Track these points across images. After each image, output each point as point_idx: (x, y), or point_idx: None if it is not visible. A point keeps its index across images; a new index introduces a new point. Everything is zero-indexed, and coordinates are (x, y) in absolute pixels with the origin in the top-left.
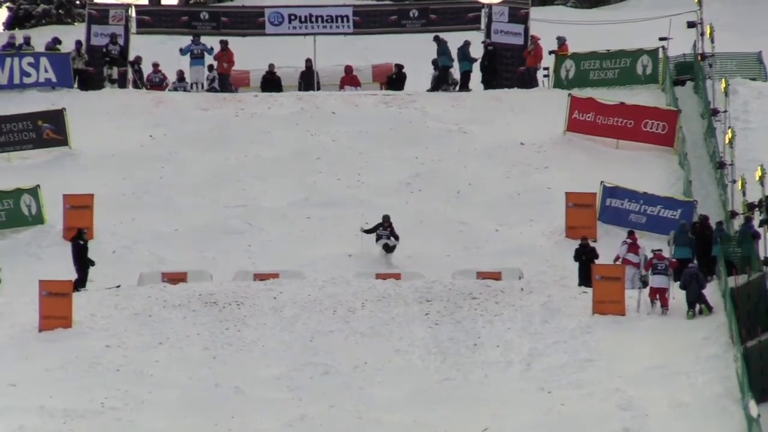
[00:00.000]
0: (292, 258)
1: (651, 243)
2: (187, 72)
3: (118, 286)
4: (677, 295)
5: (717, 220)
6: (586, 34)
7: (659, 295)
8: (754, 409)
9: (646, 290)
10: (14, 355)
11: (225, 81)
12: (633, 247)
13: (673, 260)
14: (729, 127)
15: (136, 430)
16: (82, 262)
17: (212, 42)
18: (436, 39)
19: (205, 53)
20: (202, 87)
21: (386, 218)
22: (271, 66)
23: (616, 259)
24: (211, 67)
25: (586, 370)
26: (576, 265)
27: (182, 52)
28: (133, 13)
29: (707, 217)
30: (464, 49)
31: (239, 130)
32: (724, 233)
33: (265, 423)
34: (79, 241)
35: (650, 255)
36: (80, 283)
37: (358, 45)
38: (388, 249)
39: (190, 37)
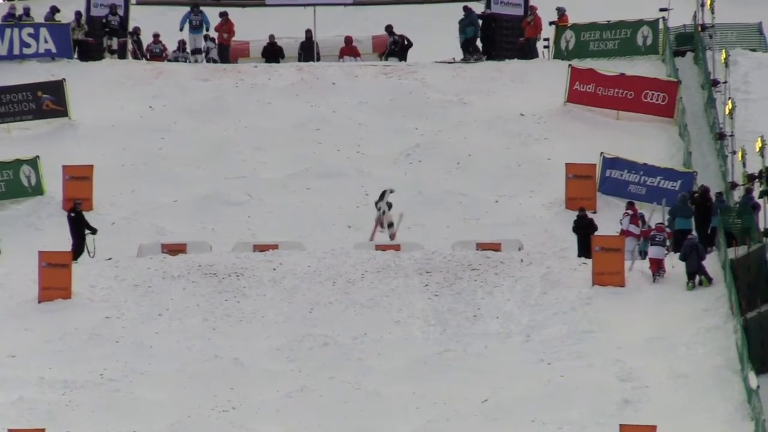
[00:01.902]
0: (291, 229)
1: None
2: (188, 42)
3: (109, 259)
4: (677, 266)
5: (717, 191)
6: (586, 4)
7: (654, 264)
8: (753, 380)
9: (646, 261)
10: (14, 326)
11: (225, 52)
12: (634, 219)
13: (670, 231)
14: (729, 98)
15: (135, 401)
16: (79, 233)
17: (212, 13)
18: (466, 9)
19: (203, 24)
20: (201, 54)
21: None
22: (272, 36)
23: (622, 233)
24: (207, 37)
25: (585, 341)
26: (575, 236)
27: (181, 21)
28: None
29: (708, 188)
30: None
31: (239, 101)
32: (724, 204)
33: (264, 394)
34: (71, 213)
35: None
36: (76, 254)
37: (358, 16)
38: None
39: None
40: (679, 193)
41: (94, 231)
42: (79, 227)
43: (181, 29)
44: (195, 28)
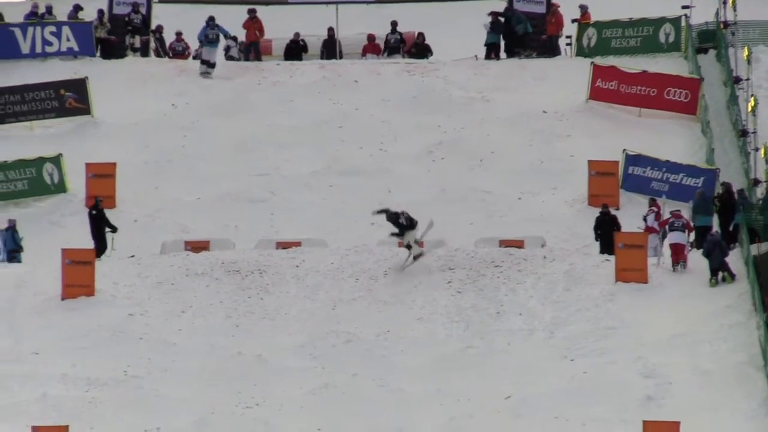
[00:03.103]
0: (314, 226)
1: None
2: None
3: (132, 256)
4: (701, 263)
5: (739, 188)
6: (608, 2)
7: (677, 251)
8: None
9: (668, 252)
10: (37, 324)
11: (256, 48)
12: (658, 216)
13: (691, 223)
14: (752, 95)
15: (158, 398)
16: (99, 232)
17: (235, 12)
18: (492, 15)
19: (221, 35)
20: (212, 68)
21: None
22: (297, 34)
23: (649, 230)
24: (228, 35)
25: (608, 337)
26: (594, 233)
27: (198, 36)
28: None
29: (730, 185)
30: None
31: (262, 99)
32: (746, 201)
33: (287, 391)
34: (92, 211)
35: (668, 215)
36: (98, 253)
37: (381, 13)
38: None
39: (206, 19)
40: (697, 190)
41: (114, 229)
42: (100, 225)
43: (200, 43)
44: (211, 42)
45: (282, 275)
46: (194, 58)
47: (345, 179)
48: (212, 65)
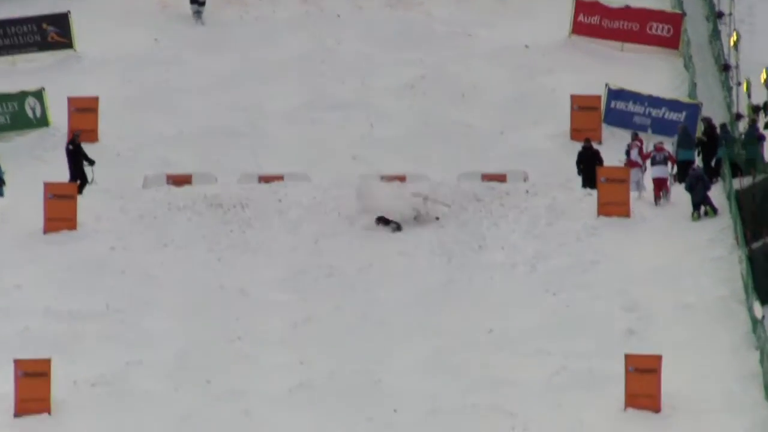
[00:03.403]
0: (296, 160)
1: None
2: None
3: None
4: (683, 198)
5: (722, 122)
6: None
7: (659, 185)
8: (758, 310)
9: (650, 186)
10: (19, 258)
11: None
12: (641, 151)
13: (673, 155)
14: (734, 30)
15: (140, 331)
16: (77, 166)
17: None
18: None
19: None
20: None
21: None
22: None
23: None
24: None
25: (590, 272)
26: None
27: None
28: None
29: (711, 119)
30: None
31: (244, 33)
32: (729, 135)
33: (270, 324)
34: (69, 146)
35: (651, 148)
36: (80, 187)
37: None
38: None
39: None
40: (680, 125)
41: (92, 162)
42: (77, 159)
43: None
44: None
45: (264, 209)
46: None
47: (327, 114)
48: (202, 3)
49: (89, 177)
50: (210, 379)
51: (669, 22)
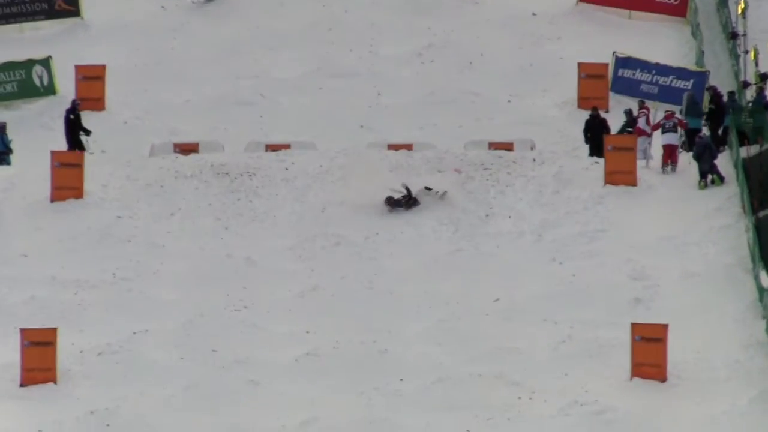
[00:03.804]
0: (303, 129)
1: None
2: None
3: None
4: (690, 166)
5: (729, 90)
6: None
7: (668, 152)
8: (765, 279)
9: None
10: (26, 226)
11: None
12: (647, 118)
13: (684, 120)
14: None
15: (147, 300)
16: (74, 136)
17: None
18: None
19: None
20: None
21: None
22: None
23: (639, 132)
24: None
25: (597, 240)
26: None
27: None
28: None
29: (716, 87)
30: None
31: (251, 1)
32: (736, 104)
33: (276, 293)
34: (70, 115)
35: (661, 116)
36: None
37: None
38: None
39: None
40: (686, 92)
41: (88, 132)
42: (75, 129)
43: None
44: None
45: (271, 178)
46: None
47: (334, 82)
48: None
49: (87, 147)
50: (216, 348)
51: None
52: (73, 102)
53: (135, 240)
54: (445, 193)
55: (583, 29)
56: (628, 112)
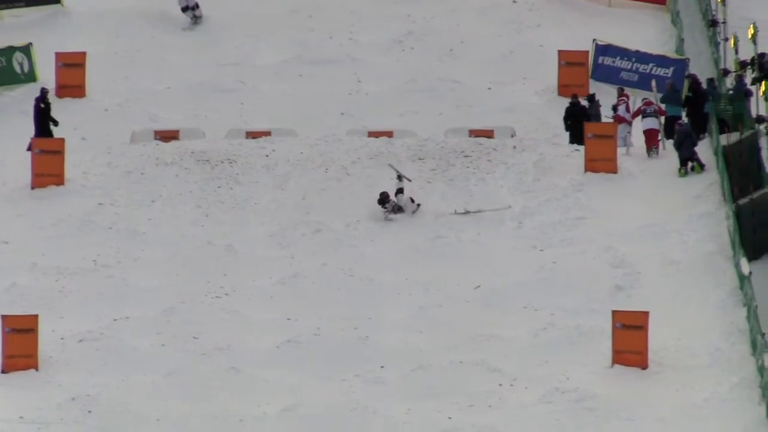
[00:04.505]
0: (284, 116)
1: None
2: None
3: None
4: (671, 154)
5: (709, 77)
6: None
7: (651, 137)
8: (745, 266)
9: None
10: (7, 213)
11: None
12: (627, 106)
13: (662, 107)
14: None
15: (128, 287)
16: (44, 125)
17: None
18: None
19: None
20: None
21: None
22: None
23: (619, 119)
24: None
25: (578, 228)
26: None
27: None
28: None
29: (696, 75)
30: None
31: None
32: (716, 91)
33: (257, 280)
34: (41, 104)
35: (640, 104)
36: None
37: None
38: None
39: None
40: (667, 81)
41: (56, 123)
42: (45, 118)
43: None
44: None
45: (252, 165)
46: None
47: (315, 69)
48: (195, 7)
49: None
50: (197, 335)
51: None
52: (42, 90)
53: (116, 227)
54: (419, 206)
55: (564, 17)
56: (591, 97)
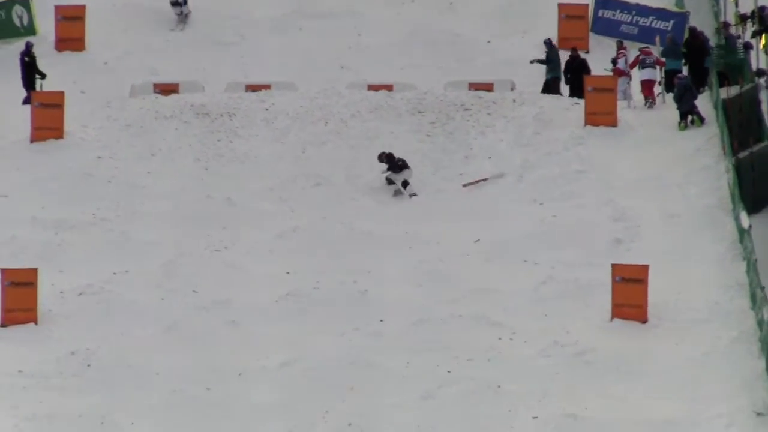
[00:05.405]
0: (284, 69)
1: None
2: None
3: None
4: (670, 107)
5: (709, 31)
6: None
7: (647, 88)
8: (745, 220)
9: (634, 84)
10: (6, 166)
11: None
12: (626, 59)
13: (661, 59)
14: None
15: (128, 240)
16: (30, 79)
17: None
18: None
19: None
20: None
21: (389, 158)
22: None
23: (619, 73)
24: None
25: (578, 181)
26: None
27: None
28: None
29: (695, 27)
30: None
31: None
32: (717, 44)
33: (256, 234)
34: (25, 57)
35: (637, 52)
36: (28, 100)
37: None
38: (405, 184)
39: None
40: (667, 34)
41: (43, 76)
42: (31, 71)
43: None
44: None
45: (251, 118)
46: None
47: (314, 22)
48: (184, 3)
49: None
50: (197, 288)
51: None
52: (27, 44)
53: (115, 180)
54: (414, 194)
55: None
56: (548, 42)
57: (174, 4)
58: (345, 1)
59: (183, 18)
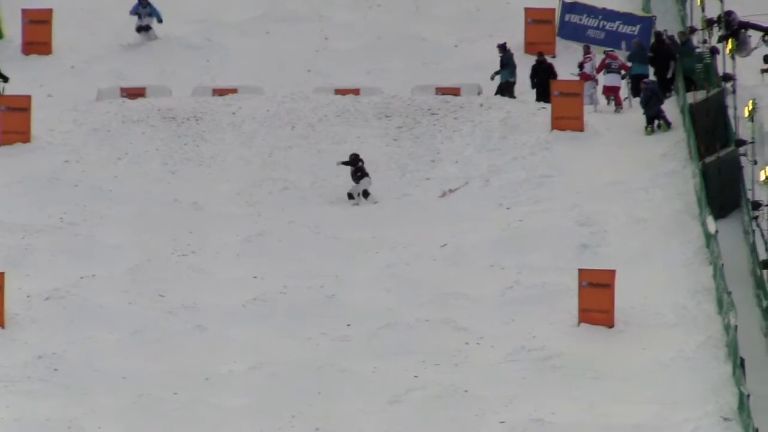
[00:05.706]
0: (250, 73)
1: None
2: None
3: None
4: (637, 111)
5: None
6: None
7: (610, 93)
8: (711, 224)
9: (600, 88)
10: None
11: None
12: (593, 63)
13: (627, 64)
14: None
15: (94, 244)
16: None
17: None
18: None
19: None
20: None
21: (354, 158)
22: None
23: (586, 77)
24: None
25: (544, 186)
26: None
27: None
28: None
29: (661, 32)
30: None
31: None
32: (684, 48)
33: (223, 238)
34: None
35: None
36: None
37: None
38: (365, 195)
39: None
40: (633, 39)
41: (6, 79)
42: None
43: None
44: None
45: (218, 122)
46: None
47: (281, 26)
48: (147, 28)
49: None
50: (163, 293)
51: None
52: None
53: (82, 184)
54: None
55: None
56: (501, 46)
57: (139, 30)
58: (312, 5)
59: (148, 39)
